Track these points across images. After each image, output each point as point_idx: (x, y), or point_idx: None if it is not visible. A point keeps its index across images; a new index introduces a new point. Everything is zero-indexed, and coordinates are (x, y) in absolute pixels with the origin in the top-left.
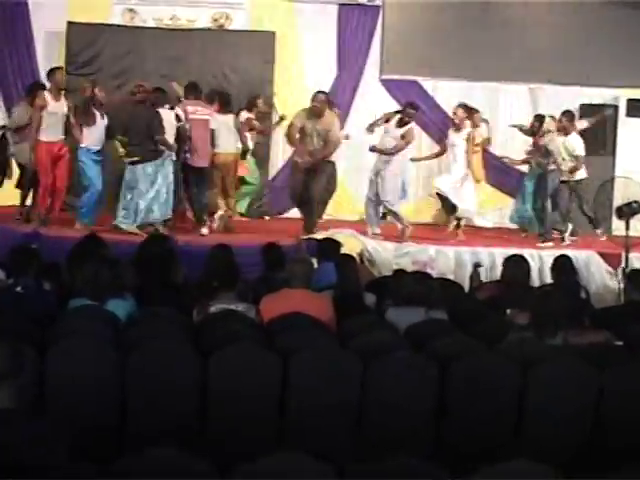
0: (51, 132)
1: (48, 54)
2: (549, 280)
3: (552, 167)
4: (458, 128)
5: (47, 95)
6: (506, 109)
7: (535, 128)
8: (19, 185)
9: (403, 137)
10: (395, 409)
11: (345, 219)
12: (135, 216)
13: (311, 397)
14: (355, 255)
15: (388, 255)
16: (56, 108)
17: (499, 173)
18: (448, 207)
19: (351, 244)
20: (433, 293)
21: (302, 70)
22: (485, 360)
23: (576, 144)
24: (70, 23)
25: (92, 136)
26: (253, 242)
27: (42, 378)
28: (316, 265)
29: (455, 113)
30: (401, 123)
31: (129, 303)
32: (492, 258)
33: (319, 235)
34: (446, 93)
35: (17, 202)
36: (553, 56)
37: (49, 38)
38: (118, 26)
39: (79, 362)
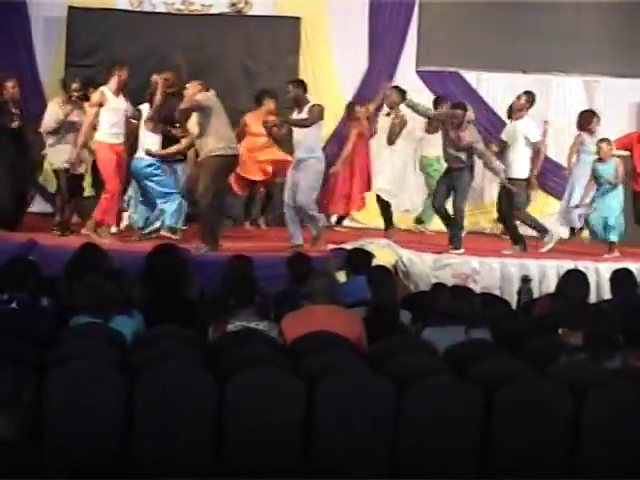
0: (114, 132)
1: (47, 43)
2: (607, 296)
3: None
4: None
5: (106, 91)
6: (558, 104)
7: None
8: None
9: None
10: (434, 439)
11: (378, 227)
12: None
13: (339, 427)
14: (389, 267)
15: (425, 267)
16: (117, 104)
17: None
18: (387, 215)
19: (384, 255)
20: (474, 310)
21: (331, 60)
22: (534, 385)
23: (531, 131)
24: (71, 8)
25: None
26: (276, 252)
27: (40, 405)
28: (345, 279)
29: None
30: (299, 106)
31: (136, 320)
32: (542, 271)
33: (348, 245)
34: (491, 86)
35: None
36: (612, 44)
37: (48, 25)
38: (124, 11)
39: (81, 387)
